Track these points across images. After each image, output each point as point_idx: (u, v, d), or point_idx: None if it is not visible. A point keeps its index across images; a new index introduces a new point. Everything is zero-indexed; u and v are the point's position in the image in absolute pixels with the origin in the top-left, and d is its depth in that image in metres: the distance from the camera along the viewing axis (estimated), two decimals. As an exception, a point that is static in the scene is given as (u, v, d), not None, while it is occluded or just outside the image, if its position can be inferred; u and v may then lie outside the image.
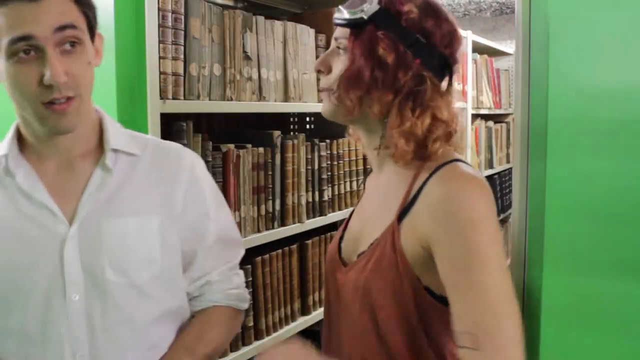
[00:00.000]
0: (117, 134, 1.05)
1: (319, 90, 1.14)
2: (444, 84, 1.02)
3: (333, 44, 1.06)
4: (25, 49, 0.88)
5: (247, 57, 1.71)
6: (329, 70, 1.06)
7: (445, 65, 1.01)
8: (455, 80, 1.07)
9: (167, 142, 1.15)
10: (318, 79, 2.04)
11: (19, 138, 1.01)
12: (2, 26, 0.87)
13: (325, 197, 2.04)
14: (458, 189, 0.93)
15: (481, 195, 0.94)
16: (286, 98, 1.87)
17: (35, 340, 0.95)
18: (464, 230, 0.91)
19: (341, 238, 1.14)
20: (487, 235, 0.91)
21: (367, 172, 1.44)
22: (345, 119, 1.08)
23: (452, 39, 1.02)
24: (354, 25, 1.01)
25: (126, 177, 1.02)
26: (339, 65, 1.03)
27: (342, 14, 1.02)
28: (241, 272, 1.20)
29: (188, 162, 1.10)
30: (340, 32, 1.04)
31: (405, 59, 0.98)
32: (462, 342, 0.91)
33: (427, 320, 0.98)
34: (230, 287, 1.14)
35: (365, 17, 0.99)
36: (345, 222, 1.18)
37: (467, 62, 3.25)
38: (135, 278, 0.99)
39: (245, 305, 1.18)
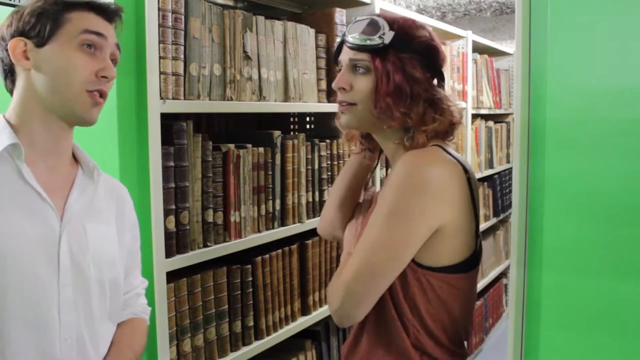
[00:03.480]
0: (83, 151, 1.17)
1: (339, 104, 1.24)
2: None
3: (347, 64, 1.21)
4: (90, 44, 1.06)
5: (247, 57, 1.71)
6: (350, 88, 1.20)
7: (441, 75, 1.24)
8: (455, 81, 1.25)
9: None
10: (318, 79, 2.05)
11: None
12: (80, 22, 1.06)
13: (325, 197, 2.04)
14: (409, 160, 1.14)
15: (429, 170, 1.13)
16: (286, 98, 1.87)
17: (30, 324, 1.01)
18: (392, 189, 1.13)
19: None
20: (407, 199, 1.12)
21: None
22: (370, 129, 1.26)
23: (442, 54, 1.24)
24: (374, 50, 1.17)
25: (96, 189, 1.15)
26: (363, 83, 1.19)
27: (357, 39, 1.18)
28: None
29: (127, 191, 1.26)
30: (357, 55, 1.19)
31: (424, 75, 1.20)
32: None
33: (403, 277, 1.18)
34: (145, 302, 1.31)
35: (386, 42, 1.16)
36: None
37: (467, 62, 3.25)
38: (104, 277, 1.13)
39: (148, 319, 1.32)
